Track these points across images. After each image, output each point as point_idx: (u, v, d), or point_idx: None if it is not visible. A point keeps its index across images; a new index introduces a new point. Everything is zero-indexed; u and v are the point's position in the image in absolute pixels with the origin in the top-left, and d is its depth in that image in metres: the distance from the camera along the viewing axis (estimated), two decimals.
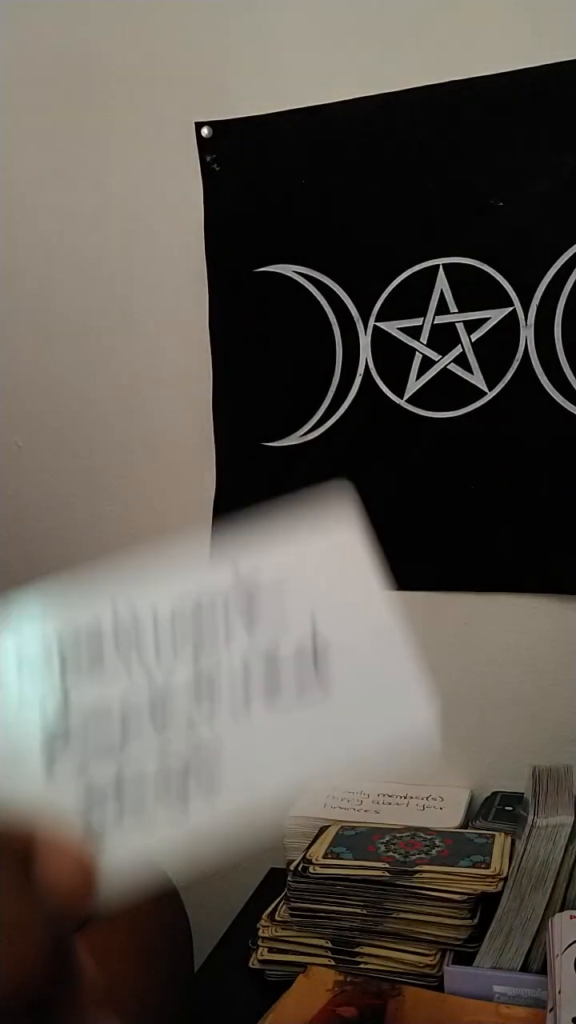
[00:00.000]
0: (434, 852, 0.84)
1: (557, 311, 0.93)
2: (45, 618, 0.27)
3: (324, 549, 0.28)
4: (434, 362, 0.98)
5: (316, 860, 0.83)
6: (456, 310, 0.96)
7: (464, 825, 0.94)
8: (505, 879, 0.76)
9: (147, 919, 0.70)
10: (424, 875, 0.79)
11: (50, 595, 0.27)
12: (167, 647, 0.27)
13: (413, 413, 0.99)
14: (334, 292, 1.00)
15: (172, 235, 1.07)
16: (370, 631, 0.28)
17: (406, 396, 0.99)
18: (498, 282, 0.94)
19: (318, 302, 1.01)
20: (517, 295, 0.94)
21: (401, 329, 0.98)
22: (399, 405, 0.99)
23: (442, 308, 0.97)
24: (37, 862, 0.24)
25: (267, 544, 0.28)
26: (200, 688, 0.27)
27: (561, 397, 0.94)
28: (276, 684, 0.27)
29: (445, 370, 0.97)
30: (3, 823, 0.25)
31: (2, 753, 0.26)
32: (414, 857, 0.82)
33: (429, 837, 0.87)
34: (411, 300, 0.97)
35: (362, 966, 0.79)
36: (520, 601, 0.99)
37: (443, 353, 0.97)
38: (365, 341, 1.00)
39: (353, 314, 1.00)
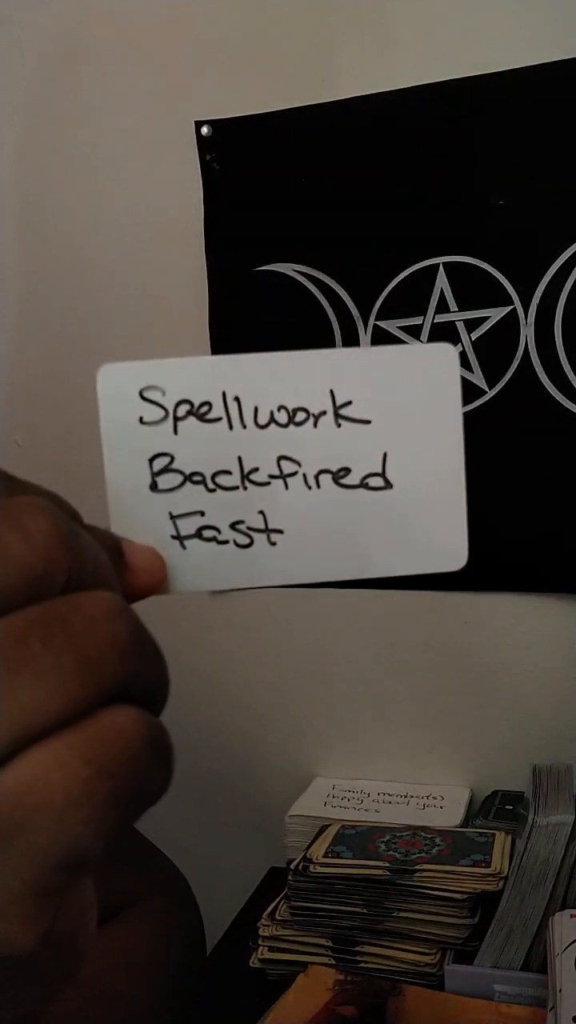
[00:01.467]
0: (434, 851, 0.84)
1: (557, 310, 0.93)
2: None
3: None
4: None
5: (316, 859, 0.83)
6: (456, 309, 0.96)
7: (464, 824, 0.94)
8: (505, 878, 0.76)
9: (170, 919, 0.70)
10: (424, 874, 0.79)
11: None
12: (261, 435, 0.29)
13: None
14: (334, 291, 1.00)
15: (172, 234, 1.07)
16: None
17: None
18: (498, 281, 0.94)
19: (318, 301, 1.01)
20: (517, 294, 0.94)
21: (401, 328, 0.98)
22: None
23: (442, 307, 0.97)
24: (124, 549, 0.27)
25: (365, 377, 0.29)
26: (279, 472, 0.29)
27: (561, 396, 0.94)
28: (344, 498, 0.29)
29: None
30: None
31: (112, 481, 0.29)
32: (414, 856, 0.82)
33: (429, 836, 0.87)
34: (411, 299, 0.97)
35: (362, 965, 0.79)
36: (520, 601, 0.99)
37: None
38: (365, 340, 1.00)
39: (353, 313, 1.00)
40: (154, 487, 0.29)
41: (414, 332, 0.98)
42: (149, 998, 0.63)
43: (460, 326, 0.96)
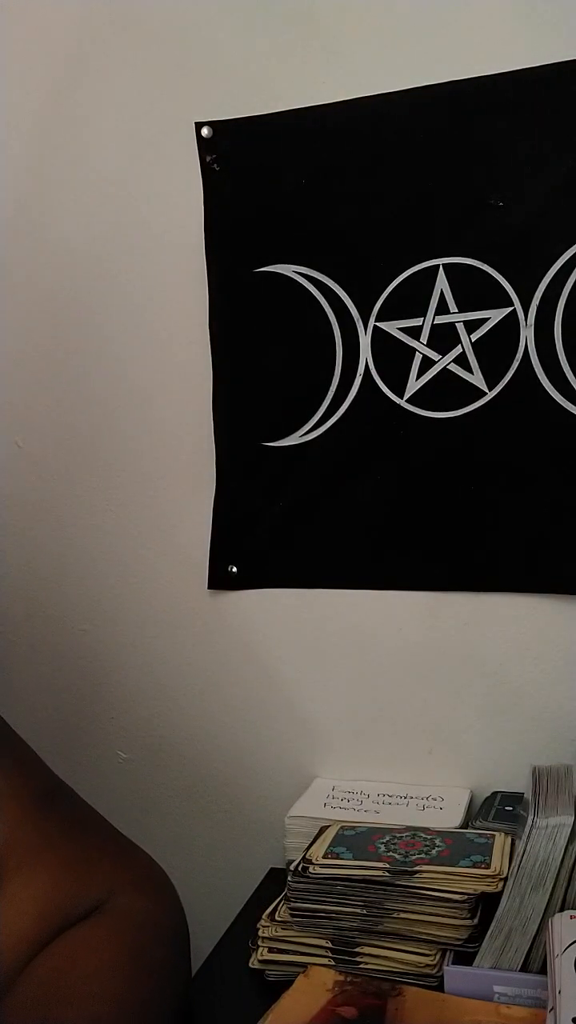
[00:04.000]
0: (434, 852, 0.84)
1: (557, 311, 0.93)
2: None
3: None
4: (434, 362, 0.98)
5: (316, 860, 0.83)
6: (456, 310, 0.96)
7: (464, 825, 0.94)
8: (505, 879, 0.76)
9: (138, 918, 0.70)
10: (424, 875, 0.79)
11: None
12: None
13: (413, 413, 0.99)
14: (334, 292, 1.00)
15: (172, 235, 1.07)
16: None
17: (406, 396, 0.99)
18: (498, 282, 0.94)
19: (318, 302, 1.01)
20: (517, 295, 0.94)
21: (401, 329, 0.98)
22: (399, 405, 0.99)
23: (442, 308, 0.97)
24: None
25: None
26: None
27: (561, 397, 0.94)
28: None
29: (445, 370, 0.97)
30: None
31: None
32: (414, 857, 0.83)
33: (429, 837, 0.87)
34: (411, 300, 0.97)
35: (362, 966, 0.79)
36: (520, 601, 0.99)
37: (443, 353, 0.97)
38: (365, 341, 1.00)
39: (353, 314, 1.00)
40: None
41: (414, 333, 0.98)
42: (120, 991, 0.62)
43: (460, 327, 0.96)
